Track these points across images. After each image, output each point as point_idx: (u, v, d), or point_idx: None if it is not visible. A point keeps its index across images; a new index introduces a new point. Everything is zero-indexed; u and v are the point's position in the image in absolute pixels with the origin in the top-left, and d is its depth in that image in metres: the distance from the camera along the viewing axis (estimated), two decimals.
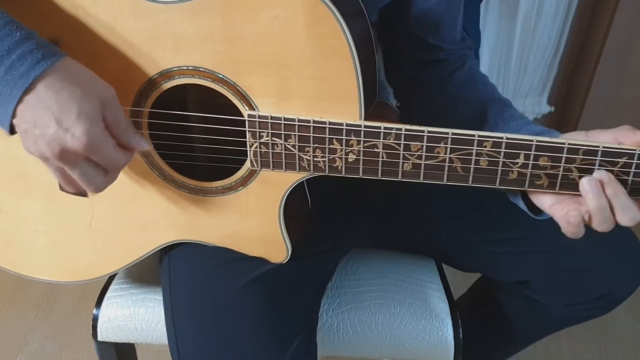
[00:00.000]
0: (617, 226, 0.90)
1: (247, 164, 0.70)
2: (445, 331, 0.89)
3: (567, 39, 1.82)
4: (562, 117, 1.96)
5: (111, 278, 0.96)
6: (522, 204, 0.71)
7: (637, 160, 0.60)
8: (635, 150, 0.60)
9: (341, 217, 0.91)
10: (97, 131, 0.60)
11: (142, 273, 0.96)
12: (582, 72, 1.84)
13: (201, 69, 0.66)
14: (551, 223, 0.69)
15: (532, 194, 0.68)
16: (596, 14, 1.77)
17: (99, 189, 0.65)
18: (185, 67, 0.66)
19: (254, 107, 0.66)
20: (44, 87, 0.57)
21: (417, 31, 0.84)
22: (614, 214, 0.62)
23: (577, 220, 0.63)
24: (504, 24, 1.76)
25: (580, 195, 0.63)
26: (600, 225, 0.63)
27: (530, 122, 0.75)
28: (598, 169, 0.62)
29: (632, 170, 0.61)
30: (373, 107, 0.69)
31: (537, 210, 0.70)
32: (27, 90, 0.57)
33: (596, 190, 0.61)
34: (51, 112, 0.58)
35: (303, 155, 0.67)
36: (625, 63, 1.75)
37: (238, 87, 0.66)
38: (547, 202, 0.67)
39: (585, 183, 0.61)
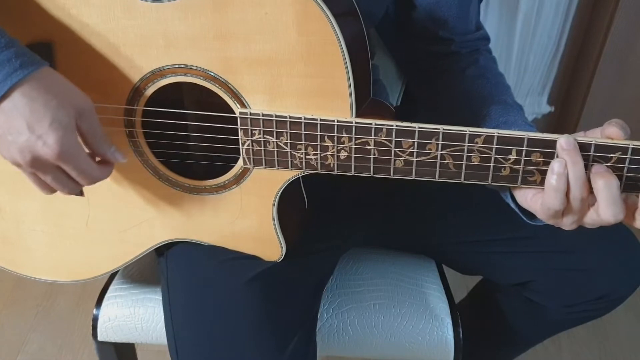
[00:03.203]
0: (616, 226, 0.90)
1: (240, 162, 0.70)
2: (445, 331, 0.89)
3: (567, 39, 1.81)
4: (562, 117, 1.96)
5: (111, 278, 0.96)
6: (513, 206, 0.70)
7: (631, 155, 0.60)
8: (628, 144, 0.59)
9: (339, 216, 0.91)
10: (70, 140, 0.60)
11: (142, 273, 0.96)
12: (582, 72, 1.84)
13: (193, 67, 0.66)
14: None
15: (516, 192, 0.68)
16: (596, 14, 1.76)
17: (72, 192, 0.66)
18: (177, 66, 0.66)
19: (246, 104, 0.66)
20: (19, 95, 0.58)
21: (427, 25, 0.85)
22: (599, 205, 0.61)
23: (552, 197, 0.61)
24: (504, 24, 1.76)
25: None
26: (576, 199, 0.61)
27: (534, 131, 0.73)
28: (592, 164, 0.61)
29: (626, 165, 0.60)
30: (367, 106, 0.69)
31: (531, 214, 0.69)
32: (3, 97, 0.58)
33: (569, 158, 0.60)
34: (24, 120, 0.58)
35: (295, 153, 0.67)
36: (625, 63, 1.75)
37: (230, 85, 0.66)
38: (528, 195, 0.66)
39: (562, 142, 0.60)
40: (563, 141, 0.60)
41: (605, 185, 0.59)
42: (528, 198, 0.66)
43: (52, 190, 0.66)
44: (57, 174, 0.63)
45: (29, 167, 0.62)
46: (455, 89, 0.84)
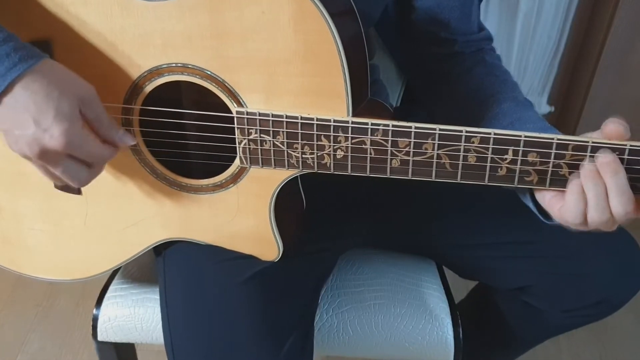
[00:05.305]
0: (616, 230, 0.90)
1: (237, 161, 0.70)
2: (445, 331, 0.89)
3: (567, 39, 1.81)
4: (562, 117, 1.95)
5: (111, 278, 0.96)
6: (531, 205, 0.70)
7: (628, 155, 0.60)
8: (625, 145, 0.59)
9: (338, 216, 0.91)
10: (75, 130, 0.61)
11: (142, 273, 0.96)
12: (582, 72, 1.84)
13: (189, 66, 0.66)
14: (550, 228, 0.69)
15: (535, 191, 0.68)
16: (596, 14, 1.76)
17: (83, 183, 0.66)
18: (174, 65, 0.66)
19: (243, 103, 0.66)
20: (21, 89, 0.58)
21: (428, 27, 0.85)
22: (608, 197, 0.60)
23: (574, 206, 0.61)
24: (504, 24, 1.76)
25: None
26: (595, 210, 0.60)
27: (548, 127, 0.73)
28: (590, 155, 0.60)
29: (624, 166, 0.60)
30: (365, 105, 0.69)
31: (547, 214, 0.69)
32: (5, 91, 0.58)
33: (595, 171, 0.59)
34: (29, 113, 0.59)
35: (292, 152, 0.67)
36: (625, 63, 1.75)
37: (226, 84, 0.66)
38: (547, 196, 0.66)
39: (585, 165, 0.60)
40: (601, 157, 0.59)
41: (613, 175, 0.59)
42: (546, 199, 0.66)
43: (62, 182, 0.66)
44: (67, 164, 0.63)
45: (38, 159, 0.62)
46: (464, 89, 0.84)
